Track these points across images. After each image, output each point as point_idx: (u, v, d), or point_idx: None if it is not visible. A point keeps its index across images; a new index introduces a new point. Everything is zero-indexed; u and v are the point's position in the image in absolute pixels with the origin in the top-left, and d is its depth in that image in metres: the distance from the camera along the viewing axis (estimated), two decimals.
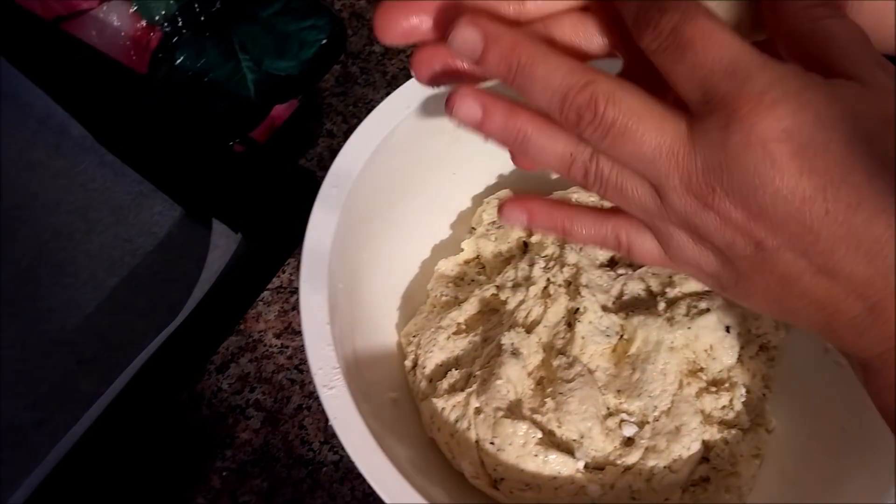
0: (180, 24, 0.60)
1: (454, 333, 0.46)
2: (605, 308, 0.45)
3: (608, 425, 0.42)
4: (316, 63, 0.59)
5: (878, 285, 0.25)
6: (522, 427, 0.41)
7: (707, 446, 0.43)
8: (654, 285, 0.46)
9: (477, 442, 0.42)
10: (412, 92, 0.45)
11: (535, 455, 0.41)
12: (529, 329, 0.45)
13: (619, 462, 0.42)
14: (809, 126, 0.24)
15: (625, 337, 0.44)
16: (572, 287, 0.46)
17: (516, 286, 0.47)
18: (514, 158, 0.35)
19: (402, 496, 0.35)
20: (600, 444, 0.42)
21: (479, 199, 0.53)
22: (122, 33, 0.61)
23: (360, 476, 0.48)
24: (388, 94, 0.45)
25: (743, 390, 0.44)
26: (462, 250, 0.51)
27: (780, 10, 0.27)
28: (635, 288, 0.46)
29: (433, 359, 0.46)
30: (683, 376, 0.44)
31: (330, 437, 0.51)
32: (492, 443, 0.42)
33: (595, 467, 0.42)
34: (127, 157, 0.57)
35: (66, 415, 0.48)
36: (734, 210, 0.26)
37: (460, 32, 0.28)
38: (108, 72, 0.59)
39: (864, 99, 0.24)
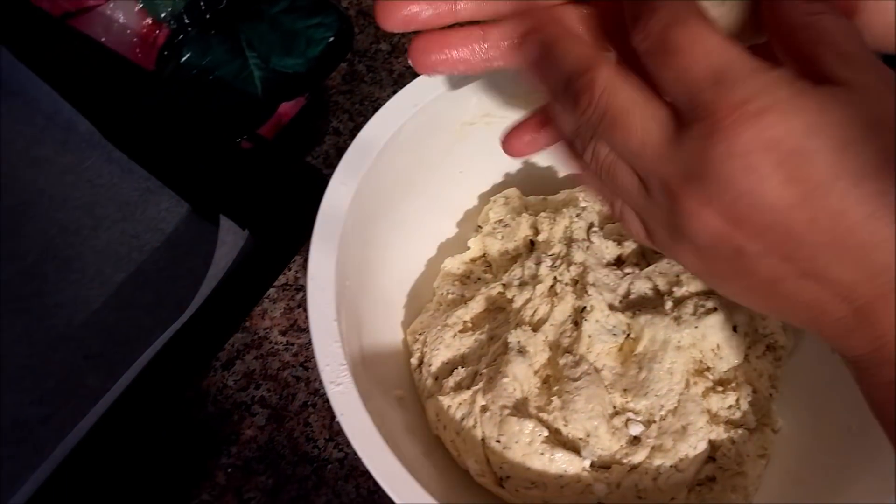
0: (186, 21, 0.60)
1: (460, 331, 0.46)
2: (611, 307, 0.45)
3: (614, 424, 0.42)
4: (323, 61, 0.59)
5: (864, 289, 0.25)
6: (528, 425, 0.41)
7: (713, 446, 0.43)
8: (662, 284, 0.46)
9: (483, 440, 0.42)
10: (419, 90, 0.45)
11: (541, 453, 0.41)
12: (536, 327, 0.45)
13: (625, 461, 0.42)
14: (798, 133, 0.24)
15: (631, 336, 0.44)
16: (579, 286, 0.46)
17: (523, 284, 0.47)
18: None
19: (410, 494, 0.35)
20: (606, 443, 0.42)
21: (485, 198, 0.53)
22: (129, 30, 0.61)
23: (364, 473, 0.49)
24: (394, 92, 0.45)
25: (749, 390, 0.44)
26: (468, 248, 0.51)
27: (778, 8, 0.27)
28: (642, 287, 0.46)
29: (439, 356, 0.46)
30: (690, 375, 0.43)
31: (335, 435, 0.51)
32: (498, 441, 0.42)
33: (601, 466, 0.42)
34: (134, 153, 0.57)
35: (73, 410, 0.49)
36: (712, 218, 0.26)
37: None
38: (115, 68, 0.59)
39: (853, 104, 0.24)
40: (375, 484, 0.36)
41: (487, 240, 0.50)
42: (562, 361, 0.44)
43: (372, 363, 0.43)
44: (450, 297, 0.49)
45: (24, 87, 0.58)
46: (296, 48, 0.59)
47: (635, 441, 0.42)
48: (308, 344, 0.54)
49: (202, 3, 0.60)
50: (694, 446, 0.42)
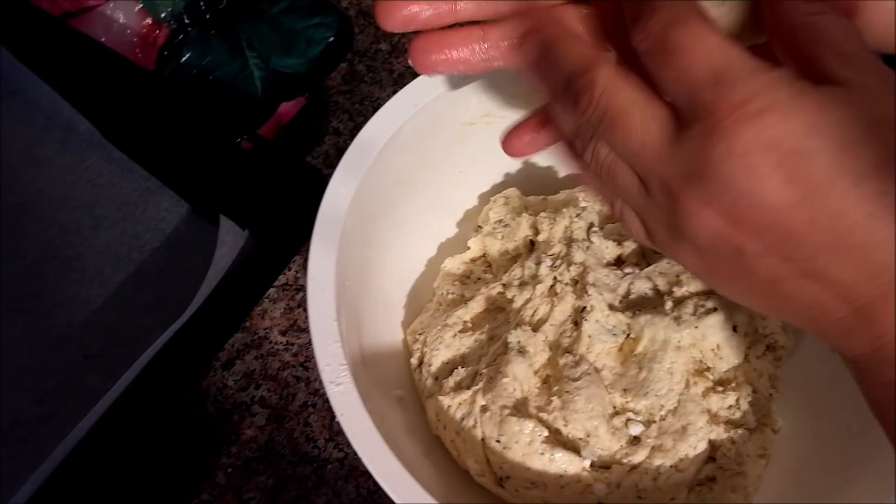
0: (186, 21, 0.60)
1: (460, 331, 0.46)
2: (611, 307, 0.45)
3: (614, 424, 0.42)
4: (323, 61, 0.59)
5: (864, 289, 0.25)
6: (528, 425, 0.41)
7: (713, 446, 0.43)
8: (662, 284, 0.46)
9: (483, 440, 0.42)
10: (419, 90, 0.45)
11: (541, 453, 0.41)
12: (536, 327, 0.45)
13: (625, 461, 0.42)
14: (798, 133, 0.24)
15: (631, 336, 0.44)
16: (579, 286, 0.46)
17: (523, 284, 0.47)
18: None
19: (410, 494, 0.35)
20: (606, 443, 0.42)
21: (485, 198, 0.53)
22: (129, 30, 0.61)
23: (364, 473, 0.49)
24: (394, 92, 0.45)
25: (749, 390, 0.44)
26: (468, 248, 0.51)
27: (778, 8, 0.27)
28: (642, 287, 0.46)
29: (439, 356, 0.46)
30: (690, 375, 0.44)
31: (335, 435, 0.51)
32: (498, 441, 0.42)
33: (601, 466, 0.42)
34: (134, 153, 0.57)
35: (73, 410, 0.49)
36: (712, 218, 0.26)
37: None
38: (115, 68, 0.59)
39: (853, 104, 0.24)
40: (375, 484, 0.36)
41: (487, 240, 0.50)
42: (562, 361, 0.44)
43: (372, 363, 0.43)
44: (450, 297, 0.49)
45: (24, 87, 0.58)
46: (296, 48, 0.59)
47: (635, 441, 0.42)
48: (308, 344, 0.54)
49: (202, 3, 0.60)
50: (694, 446, 0.42)
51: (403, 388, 0.46)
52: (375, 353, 0.45)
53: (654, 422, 0.42)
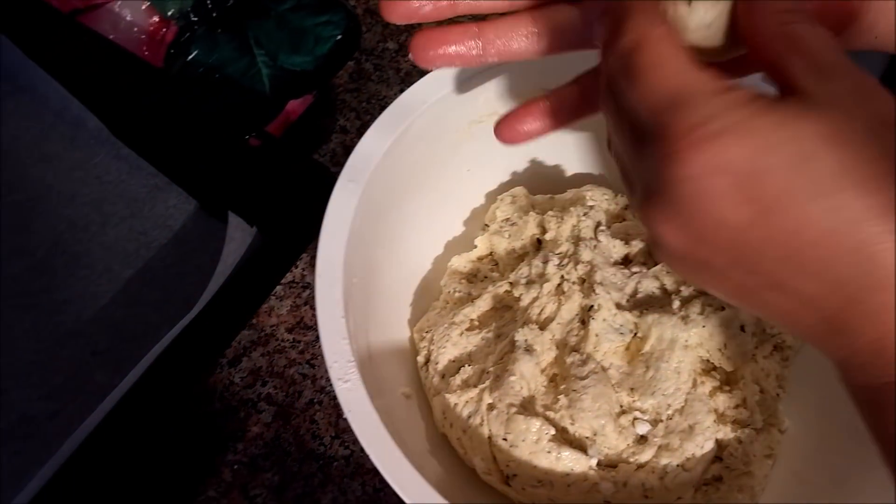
0: (194, 19, 0.60)
1: (467, 329, 0.46)
2: (619, 306, 0.45)
3: (621, 423, 0.42)
4: (331, 59, 0.59)
5: (830, 300, 0.25)
6: (535, 423, 0.41)
7: (720, 445, 0.43)
8: (669, 283, 0.46)
9: (490, 438, 0.43)
10: (427, 89, 0.45)
11: (548, 452, 0.41)
12: (543, 326, 0.45)
13: (631, 460, 0.42)
14: (752, 154, 0.24)
15: (639, 335, 0.44)
16: (586, 284, 0.46)
17: (530, 283, 0.47)
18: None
19: (417, 492, 0.35)
20: (613, 442, 0.42)
21: (492, 196, 0.53)
22: (137, 27, 0.61)
23: (370, 471, 0.49)
24: (401, 90, 0.45)
25: (756, 389, 0.44)
26: (475, 247, 0.51)
27: (754, 16, 0.27)
28: (650, 286, 0.46)
29: (446, 354, 0.46)
30: (697, 375, 0.44)
31: (341, 432, 0.51)
32: (504, 439, 0.42)
33: (608, 465, 0.42)
34: (142, 150, 0.57)
35: (80, 406, 0.49)
36: (675, 234, 0.26)
37: None
38: (123, 65, 0.59)
39: (811, 118, 0.24)
40: (381, 481, 0.36)
41: (494, 238, 0.50)
42: (569, 360, 0.44)
43: (379, 360, 0.43)
44: (457, 295, 0.49)
45: (33, 84, 0.59)
46: (304, 46, 0.59)
47: (642, 440, 0.42)
48: (314, 341, 0.54)
49: (209, 1, 0.60)
50: (701, 445, 0.42)
51: (410, 386, 0.46)
52: (382, 351, 0.45)
53: (661, 421, 0.42)
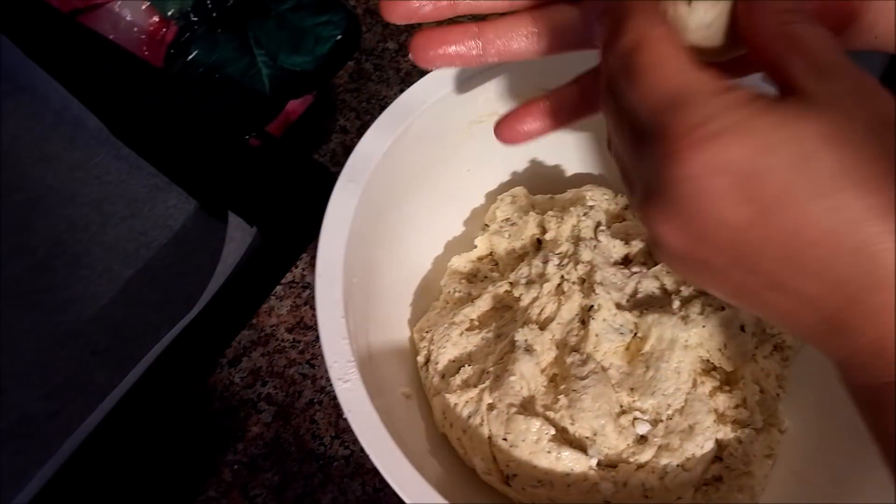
0: (194, 19, 0.60)
1: (467, 329, 0.46)
2: (619, 306, 0.45)
3: (621, 423, 0.42)
4: (331, 58, 0.59)
5: (830, 300, 0.25)
6: (535, 423, 0.41)
7: (720, 445, 0.43)
8: (669, 283, 0.46)
9: (489, 438, 0.43)
10: (427, 89, 0.45)
11: (548, 452, 0.41)
12: (543, 326, 0.45)
13: (632, 460, 0.42)
14: (752, 154, 0.24)
15: (639, 335, 0.44)
16: (586, 284, 0.46)
17: (530, 283, 0.47)
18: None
19: (417, 492, 0.35)
20: (613, 442, 0.42)
21: (492, 196, 0.53)
22: (137, 27, 0.61)
23: (370, 471, 0.49)
24: (401, 90, 0.45)
25: (756, 389, 0.44)
26: (475, 247, 0.51)
27: (754, 16, 0.27)
28: (650, 286, 0.46)
29: (446, 354, 0.46)
30: (697, 375, 0.44)
31: (341, 432, 0.51)
32: (504, 439, 0.42)
33: (608, 465, 0.42)
34: (142, 150, 0.57)
35: (80, 406, 0.49)
36: (674, 234, 0.26)
37: None
38: (123, 65, 0.59)
39: (811, 118, 0.24)
40: (381, 481, 0.36)
41: (494, 238, 0.50)
42: (569, 360, 0.44)
43: (379, 360, 0.43)
44: (457, 295, 0.49)
45: (33, 84, 0.59)
46: (304, 46, 0.59)
47: (642, 440, 0.42)
48: (314, 341, 0.54)
49: (209, 1, 0.60)
50: (701, 445, 0.42)
51: (410, 386, 0.46)
52: (382, 351, 0.45)
53: (661, 421, 0.42)
